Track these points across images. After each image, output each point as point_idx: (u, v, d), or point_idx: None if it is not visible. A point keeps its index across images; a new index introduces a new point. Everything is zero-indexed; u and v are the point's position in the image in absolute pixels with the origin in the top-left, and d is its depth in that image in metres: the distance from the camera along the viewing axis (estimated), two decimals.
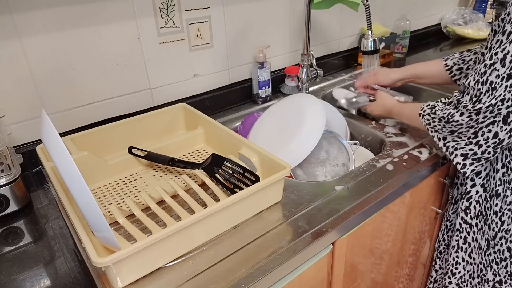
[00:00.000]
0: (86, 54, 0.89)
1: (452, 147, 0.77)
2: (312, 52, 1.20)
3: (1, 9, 0.77)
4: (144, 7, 0.94)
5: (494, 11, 1.88)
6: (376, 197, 0.75)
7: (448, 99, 0.78)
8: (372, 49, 1.06)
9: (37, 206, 0.78)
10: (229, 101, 1.18)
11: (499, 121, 0.69)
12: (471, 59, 0.94)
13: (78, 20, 0.86)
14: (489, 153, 0.73)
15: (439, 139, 0.79)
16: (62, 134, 0.89)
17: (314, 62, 1.21)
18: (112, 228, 0.57)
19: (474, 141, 0.73)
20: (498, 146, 0.72)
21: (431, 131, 0.80)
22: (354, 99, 1.13)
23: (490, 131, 0.71)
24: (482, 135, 0.72)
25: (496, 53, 0.66)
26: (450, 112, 0.73)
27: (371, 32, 1.04)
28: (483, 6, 1.89)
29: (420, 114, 0.82)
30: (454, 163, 0.77)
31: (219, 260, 0.61)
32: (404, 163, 0.85)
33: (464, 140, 0.75)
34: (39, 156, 0.78)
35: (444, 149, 0.79)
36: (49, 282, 0.60)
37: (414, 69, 1.04)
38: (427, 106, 0.81)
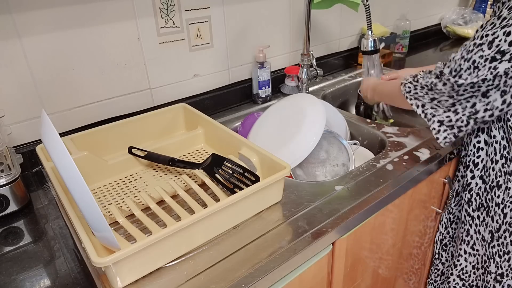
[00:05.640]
0: (86, 54, 0.89)
1: (430, 113, 0.79)
2: (312, 52, 1.19)
3: (1, 9, 0.77)
4: (144, 7, 0.94)
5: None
6: (376, 197, 0.75)
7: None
8: (372, 49, 1.06)
9: (37, 206, 0.78)
10: (229, 101, 1.18)
11: (478, 95, 0.70)
12: None
13: (78, 20, 0.86)
14: (462, 121, 0.74)
15: (418, 106, 0.80)
16: (62, 134, 0.89)
17: (314, 62, 1.21)
18: (112, 228, 0.58)
19: (452, 109, 0.75)
20: (472, 117, 0.73)
21: (410, 99, 0.81)
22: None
23: (468, 101, 0.72)
24: (460, 105, 0.73)
25: (486, 35, 0.67)
26: (433, 82, 0.75)
27: (371, 32, 1.04)
28: (483, 6, 1.89)
29: (402, 83, 0.83)
30: (431, 128, 0.79)
31: (219, 260, 0.61)
32: (404, 163, 0.85)
33: (442, 108, 0.76)
34: (39, 156, 0.78)
35: (422, 115, 0.80)
36: (49, 282, 0.60)
37: None
38: (409, 76, 0.83)
